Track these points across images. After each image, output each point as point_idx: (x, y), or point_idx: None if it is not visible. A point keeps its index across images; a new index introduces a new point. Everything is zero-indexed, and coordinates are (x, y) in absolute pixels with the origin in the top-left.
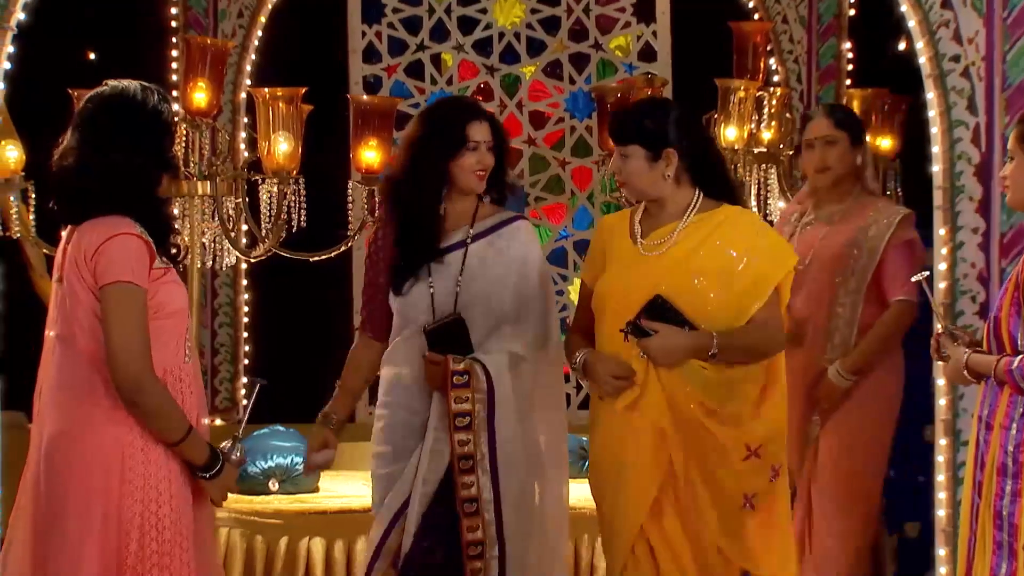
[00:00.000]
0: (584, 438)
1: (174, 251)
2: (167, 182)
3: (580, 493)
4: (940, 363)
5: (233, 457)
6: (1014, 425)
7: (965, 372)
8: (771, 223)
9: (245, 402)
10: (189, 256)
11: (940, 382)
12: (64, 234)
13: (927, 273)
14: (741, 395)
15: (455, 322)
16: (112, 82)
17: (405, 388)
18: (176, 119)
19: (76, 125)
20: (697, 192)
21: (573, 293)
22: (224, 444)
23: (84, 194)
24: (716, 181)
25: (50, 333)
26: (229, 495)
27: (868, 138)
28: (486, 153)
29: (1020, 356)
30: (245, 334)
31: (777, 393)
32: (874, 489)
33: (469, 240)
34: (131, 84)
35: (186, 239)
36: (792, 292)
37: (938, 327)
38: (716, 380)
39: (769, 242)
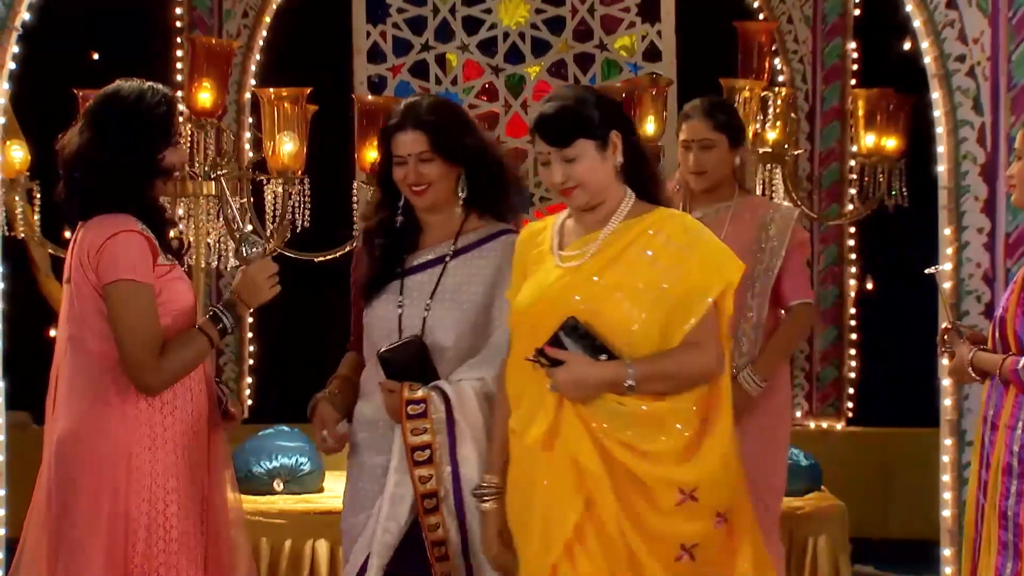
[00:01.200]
0: None
1: (176, 245)
2: (167, 183)
3: None
4: (944, 360)
5: (246, 254)
6: (1020, 425)
7: (970, 370)
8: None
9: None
10: (194, 256)
11: (945, 382)
12: (73, 236)
13: (947, 266)
14: (671, 430)
15: (413, 345)
16: (119, 81)
17: (369, 424)
18: (178, 119)
19: (81, 122)
20: (628, 192)
21: None
22: (239, 249)
23: (85, 192)
24: (648, 178)
25: (61, 334)
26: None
27: (749, 135)
28: (417, 166)
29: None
30: (250, 334)
31: (720, 426)
32: (777, 501)
33: (449, 256)
34: (131, 84)
35: (190, 236)
36: None
37: (945, 322)
38: (638, 414)
39: (705, 251)
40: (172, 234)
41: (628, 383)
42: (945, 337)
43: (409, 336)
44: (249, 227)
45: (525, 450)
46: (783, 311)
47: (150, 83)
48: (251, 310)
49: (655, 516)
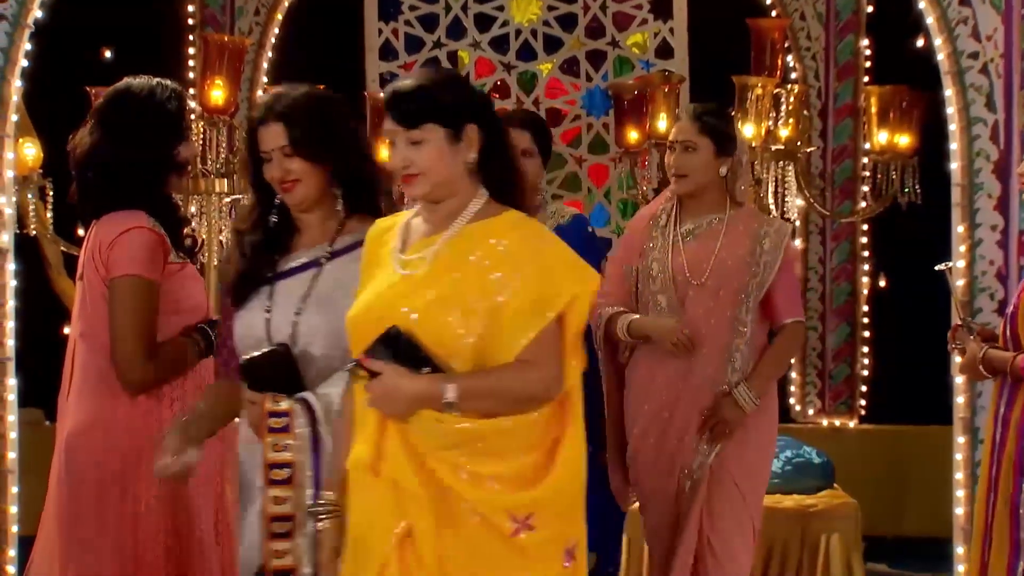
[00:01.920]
0: None
1: (188, 243)
2: (181, 178)
3: None
4: (956, 358)
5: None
6: None
7: (981, 367)
8: (787, 219)
9: None
10: (206, 253)
11: (958, 380)
12: (87, 234)
13: (959, 263)
14: (509, 452)
15: (278, 354)
16: (128, 79)
17: (248, 443)
18: (190, 116)
19: (90, 120)
20: (480, 193)
21: None
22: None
23: (97, 189)
24: (507, 180)
25: (74, 331)
26: None
27: (745, 149)
28: (281, 161)
29: None
30: None
31: (569, 447)
32: (760, 512)
33: (324, 260)
34: (142, 81)
35: (202, 234)
36: (688, 310)
37: (956, 319)
38: (465, 433)
39: (549, 261)
40: (185, 231)
41: (446, 399)
42: (956, 334)
43: (275, 344)
44: None
45: (354, 471)
46: (775, 328)
47: (158, 79)
48: None
49: (489, 546)
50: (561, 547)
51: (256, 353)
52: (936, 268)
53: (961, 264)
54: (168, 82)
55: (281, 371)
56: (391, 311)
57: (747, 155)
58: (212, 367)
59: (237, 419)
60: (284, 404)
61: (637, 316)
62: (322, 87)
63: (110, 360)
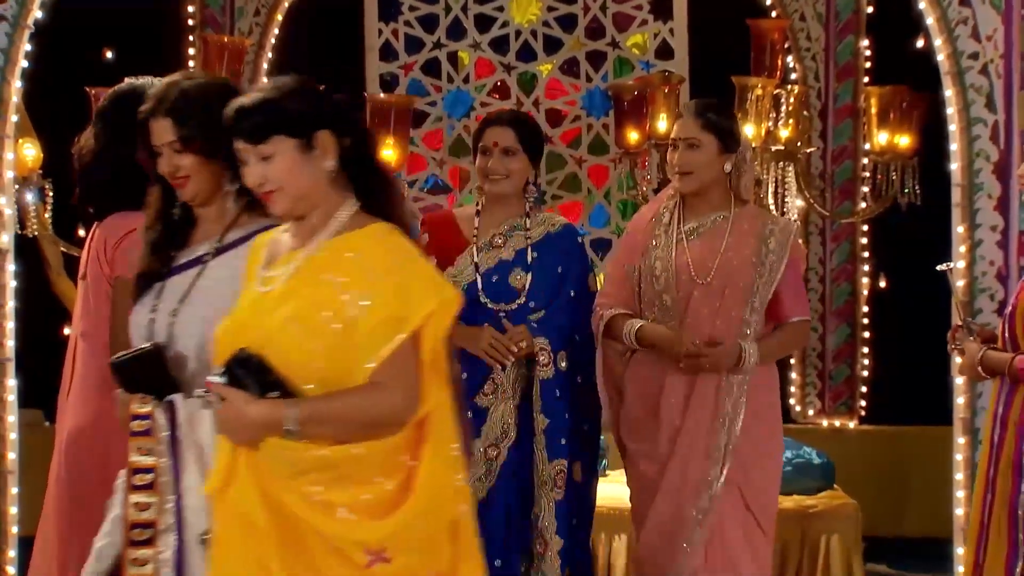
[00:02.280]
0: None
1: None
2: None
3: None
4: (956, 358)
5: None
6: None
7: (980, 368)
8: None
9: None
10: None
11: (958, 380)
12: (90, 233)
13: (959, 264)
14: (360, 479)
15: (148, 353)
16: (130, 79)
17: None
18: None
19: (94, 121)
20: (348, 203)
21: None
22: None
23: (101, 190)
24: (374, 187)
25: (75, 330)
26: None
27: (748, 145)
28: (171, 157)
29: None
30: None
31: (427, 475)
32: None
33: (210, 256)
34: (146, 81)
35: None
36: (693, 311)
37: (956, 319)
38: (313, 460)
39: (406, 277)
40: None
41: (287, 426)
42: (956, 335)
43: (148, 344)
44: None
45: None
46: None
47: (157, 78)
48: None
49: None
50: None
51: (125, 353)
52: (937, 268)
53: (961, 265)
54: None
55: (151, 372)
56: (245, 331)
57: (751, 151)
58: None
59: None
60: (148, 407)
61: (644, 322)
62: (322, 87)
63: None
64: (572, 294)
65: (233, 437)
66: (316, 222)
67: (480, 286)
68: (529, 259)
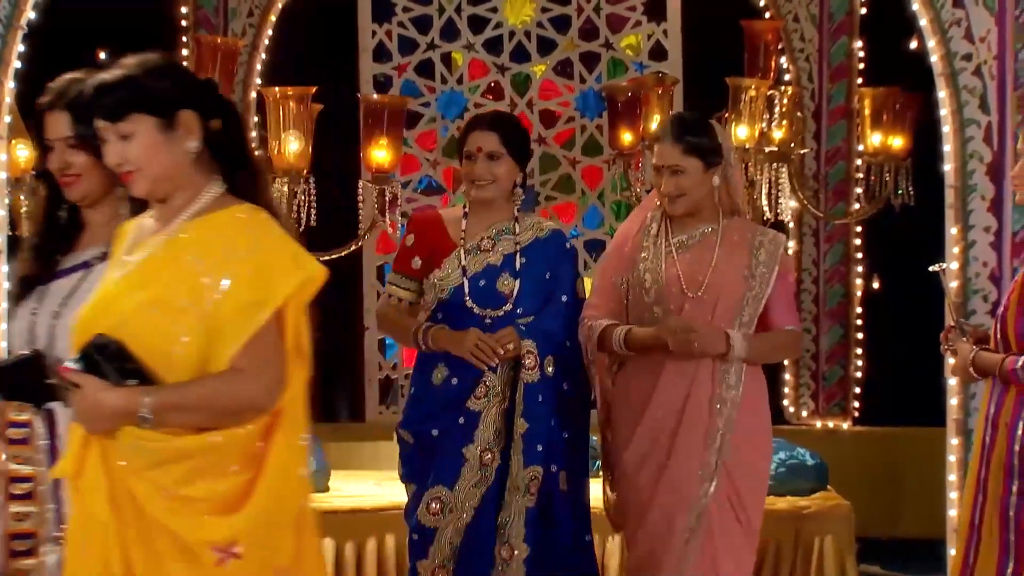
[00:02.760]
0: (594, 438)
1: None
2: None
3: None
4: (949, 359)
5: None
6: (1020, 424)
7: (971, 369)
8: (781, 223)
9: None
10: None
11: (951, 381)
12: None
13: (954, 265)
14: (222, 472)
15: (27, 360)
16: None
17: None
18: None
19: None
20: (212, 185)
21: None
22: None
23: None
24: (241, 170)
25: None
26: None
27: (730, 147)
28: (64, 152)
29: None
30: None
31: (275, 465)
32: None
33: (96, 260)
34: None
35: None
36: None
37: (949, 320)
38: (168, 451)
39: (267, 257)
40: None
41: (142, 414)
42: (949, 336)
43: (27, 351)
44: None
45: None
46: None
47: None
48: None
49: None
50: (270, 572)
51: (4, 360)
52: (930, 269)
53: (955, 266)
54: None
55: (30, 379)
56: (102, 316)
57: (733, 152)
58: None
59: None
60: (26, 414)
61: (632, 327)
62: (316, 88)
63: None
64: (564, 299)
65: (89, 426)
66: (179, 204)
67: (467, 290)
68: (517, 265)
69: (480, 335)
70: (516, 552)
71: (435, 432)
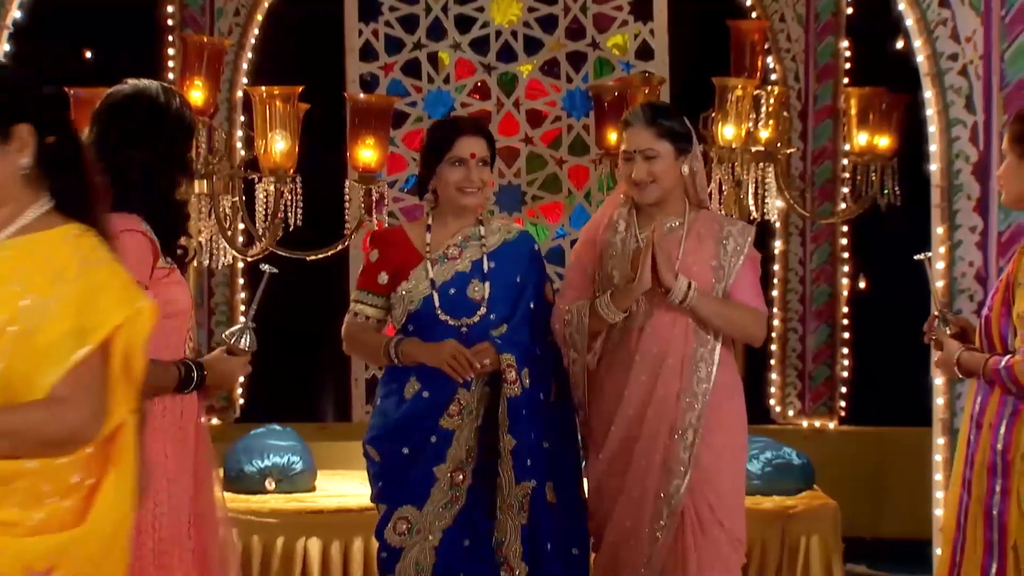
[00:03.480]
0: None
1: (180, 252)
2: (191, 182)
3: None
4: (935, 352)
5: (242, 345)
6: (1003, 424)
7: (956, 369)
8: (768, 223)
9: (253, 292)
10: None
11: (938, 381)
12: None
13: (940, 265)
14: (34, 497)
15: None
16: (132, 81)
17: None
18: (198, 123)
19: (94, 122)
20: (41, 202)
21: None
22: (231, 331)
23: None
24: (76, 189)
25: None
26: (226, 494)
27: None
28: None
29: (1007, 356)
30: None
31: (107, 495)
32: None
33: None
34: (152, 84)
35: (200, 240)
36: (654, 317)
37: (934, 310)
38: None
39: (94, 284)
40: (183, 241)
41: None
42: (932, 324)
43: None
44: (251, 323)
45: None
46: None
47: (161, 83)
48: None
49: None
50: None
51: None
52: (915, 258)
53: (941, 266)
54: (173, 88)
55: None
56: None
57: (698, 144)
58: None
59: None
60: None
61: (611, 291)
62: (302, 87)
63: None
64: (531, 306)
65: None
66: (2, 221)
67: (436, 302)
68: (486, 268)
69: (456, 346)
70: (517, 572)
71: (405, 451)
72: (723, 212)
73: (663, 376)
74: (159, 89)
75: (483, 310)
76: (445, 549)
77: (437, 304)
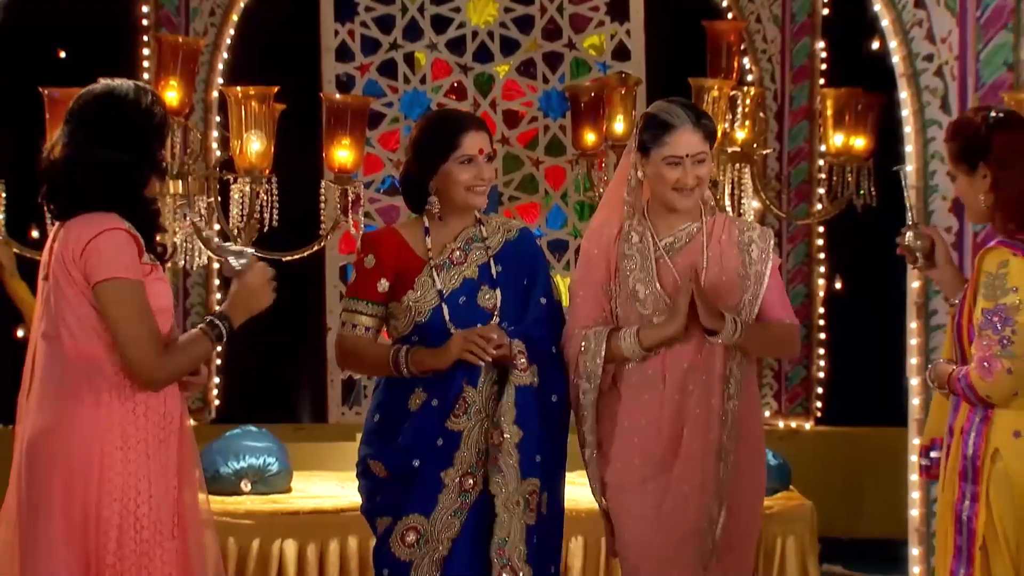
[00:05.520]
0: None
1: (160, 250)
2: (162, 181)
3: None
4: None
5: (238, 268)
6: (973, 430)
7: (931, 382)
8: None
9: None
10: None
11: (913, 381)
12: (51, 232)
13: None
14: None
15: None
16: (105, 80)
17: None
18: (171, 121)
19: (67, 121)
20: None
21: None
22: (226, 262)
23: (71, 190)
24: None
25: (35, 332)
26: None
27: (718, 135)
28: None
29: (966, 367)
30: None
31: None
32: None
33: None
34: (124, 83)
35: (174, 241)
36: (687, 328)
37: (908, 218)
38: None
39: None
40: (159, 238)
41: None
42: (906, 235)
43: None
44: (229, 243)
45: None
46: None
47: (135, 81)
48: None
49: None
50: None
51: None
52: (893, 169)
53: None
54: (146, 86)
55: None
56: None
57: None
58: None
59: (192, 421)
60: None
61: (638, 327)
62: (278, 87)
63: (86, 365)
64: (543, 301)
65: None
66: None
67: (446, 313)
68: (494, 273)
69: (465, 333)
70: (521, 575)
71: (416, 463)
72: None
73: (695, 394)
74: (131, 88)
75: (496, 319)
76: (453, 563)
77: (447, 317)
